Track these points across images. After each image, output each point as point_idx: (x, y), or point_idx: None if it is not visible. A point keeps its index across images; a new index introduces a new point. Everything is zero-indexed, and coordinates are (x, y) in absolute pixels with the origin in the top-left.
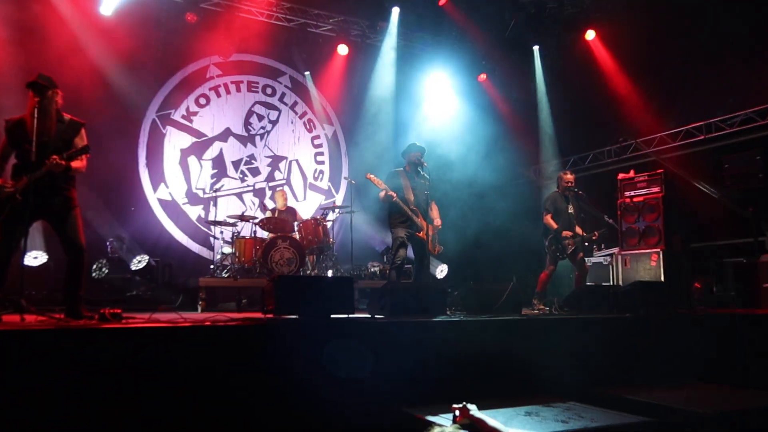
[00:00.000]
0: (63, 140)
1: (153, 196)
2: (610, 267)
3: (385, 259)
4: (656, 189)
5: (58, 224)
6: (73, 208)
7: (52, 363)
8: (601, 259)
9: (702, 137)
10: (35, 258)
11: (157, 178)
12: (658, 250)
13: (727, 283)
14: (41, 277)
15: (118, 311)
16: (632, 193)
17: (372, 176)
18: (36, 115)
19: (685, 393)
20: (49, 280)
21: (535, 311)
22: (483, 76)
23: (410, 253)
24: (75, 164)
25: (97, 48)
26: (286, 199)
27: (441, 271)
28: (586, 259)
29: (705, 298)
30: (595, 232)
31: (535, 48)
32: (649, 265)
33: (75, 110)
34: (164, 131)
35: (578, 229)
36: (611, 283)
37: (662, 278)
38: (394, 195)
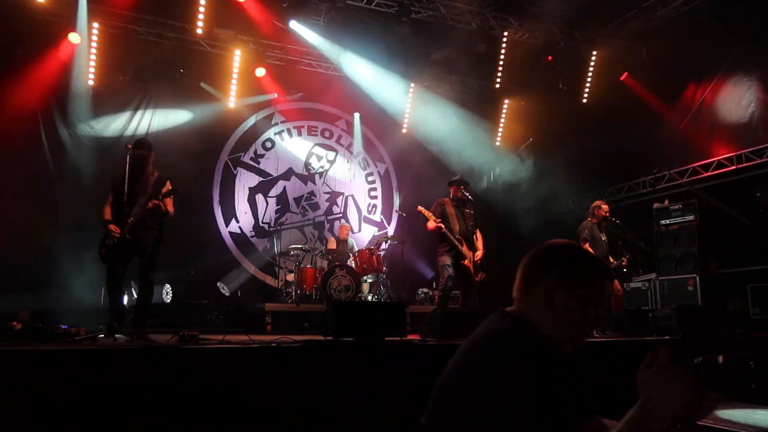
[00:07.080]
0: (155, 191)
1: (225, 230)
2: (648, 292)
3: (434, 285)
4: (690, 217)
5: (143, 259)
6: (159, 245)
7: (139, 377)
8: (639, 285)
9: (733, 167)
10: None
11: (229, 214)
12: (695, 275)
13: (762, 307)
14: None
15: (195, 333)
16: (667, 221)
17: (422, 208)
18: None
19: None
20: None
21: None
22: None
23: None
24: (170, 208)
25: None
26: (347, 232)
27: None
28: (625, 284)
29: (742, 321)
30: (623, 259)
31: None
32: (687, 289)
33: (168, 157)
34: (235, 172)
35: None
36: (650, 307)
37: (699, 302)
38: (443, 226)
